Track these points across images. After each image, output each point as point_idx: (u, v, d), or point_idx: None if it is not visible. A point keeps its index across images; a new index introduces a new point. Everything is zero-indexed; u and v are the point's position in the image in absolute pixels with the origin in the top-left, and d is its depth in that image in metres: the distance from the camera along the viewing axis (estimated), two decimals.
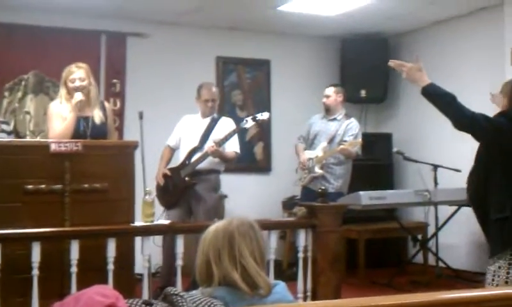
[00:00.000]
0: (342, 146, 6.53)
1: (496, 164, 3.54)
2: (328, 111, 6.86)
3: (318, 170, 6.63)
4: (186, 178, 5.95)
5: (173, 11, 7.30)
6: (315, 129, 6.87)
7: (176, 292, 2.09)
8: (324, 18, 7.57)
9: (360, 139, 6.69)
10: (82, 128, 4.94)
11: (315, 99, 7.40)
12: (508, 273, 3.43)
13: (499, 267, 3.46)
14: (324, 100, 6.87)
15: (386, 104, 8.56)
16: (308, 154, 6.78)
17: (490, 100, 3.88)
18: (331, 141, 6.70)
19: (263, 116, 6.09)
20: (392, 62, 3.81)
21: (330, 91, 6.88)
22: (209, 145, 5.91)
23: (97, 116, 5.04)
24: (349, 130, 6.72)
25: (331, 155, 6.62)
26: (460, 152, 6.78)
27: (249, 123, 6.02)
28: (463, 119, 3.48)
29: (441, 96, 3.56)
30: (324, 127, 6.82)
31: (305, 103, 7.98)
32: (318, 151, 6.70)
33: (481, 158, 3.62)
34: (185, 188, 5.98)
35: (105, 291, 1.94)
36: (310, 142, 6.87)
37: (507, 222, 3.44)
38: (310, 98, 7.90)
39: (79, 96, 4.93)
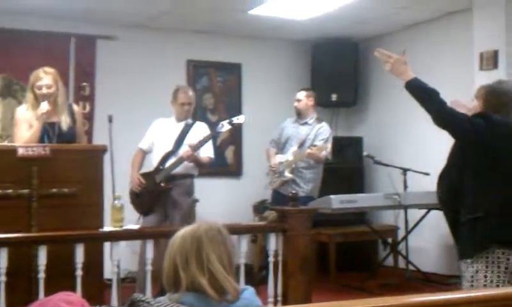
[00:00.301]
0: (309, 151, 6.52)
1: (470, 166, 3.53)
2: (300, 115, 6.86)
3: (288, 174, 6.62)
4: (162, 183, 5.87)
5: (143, 14, 7.26)
6: (287, 133, 6.88)
7: (143, 299, 2.07)
8: (294, 22, 7.58)
9: (328, 144, 6.67)
10: (47, 140, 4.85)
11: (286, 103, 7.40)
12: (486, 277, 3.37)
13: (476, 271, 3.40)
14: (296, 104, 6.88)
15: (356, 108, 8.59)
16: (279, 158, 6.78)
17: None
18: (301, 145, 6.69)
19: (239, 119, 6.03)
20: (377, 53, 3.77)
21: (301, 95, 6.89)
22: (184, 150, 5.85)
23: (64, 121, 4.95)
24: (319, 134, 6.73)
25: (300, 159, 6.62)
26: (429, 156, 6.86)
27: (225, 127, 5.93)
28: (445, 117, 3.48)
29: (425, 91, 3.56)
30: (295, 131, 6.82)
31: (276, 107, 7.98)
32: (288, 156, 6.70)
33: (455, 160, 3.61)
34: (160, 193, 5.90)
35: (71, 298, 1.92)
36: (281, 146, 6.87)
37: (479, 222, 3.41)
38: (281, 102, 7.91)
39: (44, 106, 4.84)
